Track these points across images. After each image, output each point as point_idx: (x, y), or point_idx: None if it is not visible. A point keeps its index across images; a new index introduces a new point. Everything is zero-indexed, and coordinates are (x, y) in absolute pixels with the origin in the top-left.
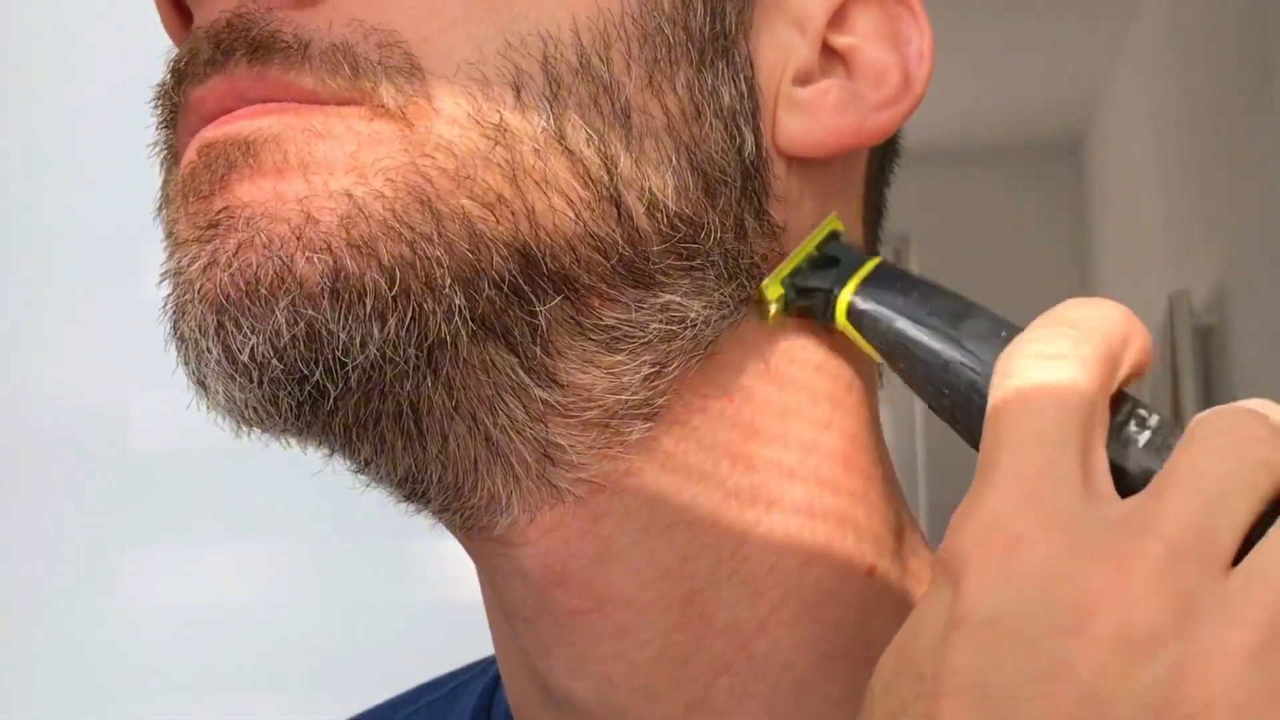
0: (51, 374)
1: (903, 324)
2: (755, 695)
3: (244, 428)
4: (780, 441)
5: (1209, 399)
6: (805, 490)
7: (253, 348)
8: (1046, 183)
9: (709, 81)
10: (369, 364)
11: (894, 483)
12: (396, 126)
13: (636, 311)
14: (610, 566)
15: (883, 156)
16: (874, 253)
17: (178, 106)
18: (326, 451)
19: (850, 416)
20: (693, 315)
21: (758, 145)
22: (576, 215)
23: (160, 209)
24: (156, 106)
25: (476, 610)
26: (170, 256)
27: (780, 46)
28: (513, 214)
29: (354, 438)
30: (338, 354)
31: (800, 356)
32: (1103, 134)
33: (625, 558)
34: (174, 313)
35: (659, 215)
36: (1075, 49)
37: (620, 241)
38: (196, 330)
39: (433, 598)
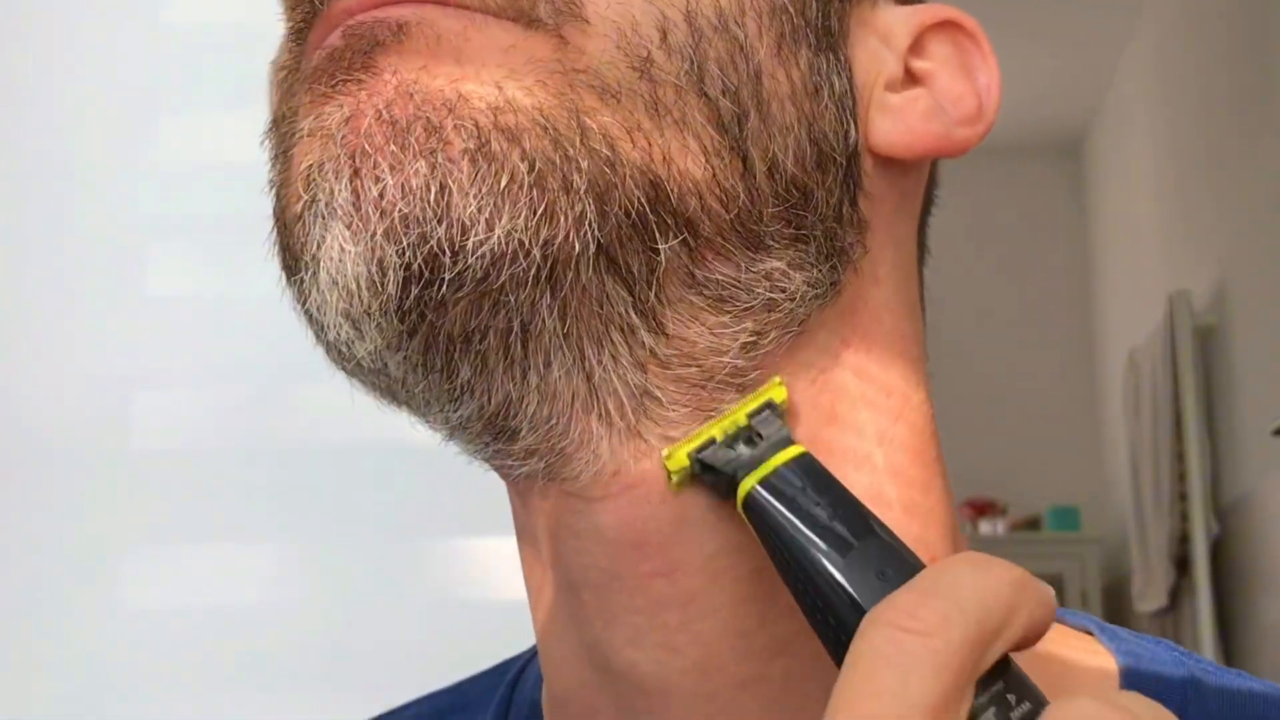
0: (51, 374)
1: (795, 532)
2: (812, 678)
3: (343, 325)
4: (855, 430)
5: (1209, 398)
6: (875, 478)
7: (382, 189)
8: (1046, 183)
9: (823, 67)
10: (492, 253)
11: (948, 485)
12: (551, 40)
13: (745, 273)
14: (686, 532)
15: (933, 181)
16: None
17: (312, 17)
18: (420, 374)
19: (917, 413)
20: (793, 288)
21: (857, 138)
22: (706, 161)
23: (269, 130)
24: (288, 16)
25: (477, 612)
26: (298, 120)
27: (872, 57)
28: (649, 144)
29: (456, 354)
30: (463, 222)
31: (875, 351)
32: (1103, 134)
33: (701, 524)
34: (296, 167)
35: (778, 177)
36: (1075, 49)
37: (741, 195)
38: (331, 176)
39: (434, 599)
